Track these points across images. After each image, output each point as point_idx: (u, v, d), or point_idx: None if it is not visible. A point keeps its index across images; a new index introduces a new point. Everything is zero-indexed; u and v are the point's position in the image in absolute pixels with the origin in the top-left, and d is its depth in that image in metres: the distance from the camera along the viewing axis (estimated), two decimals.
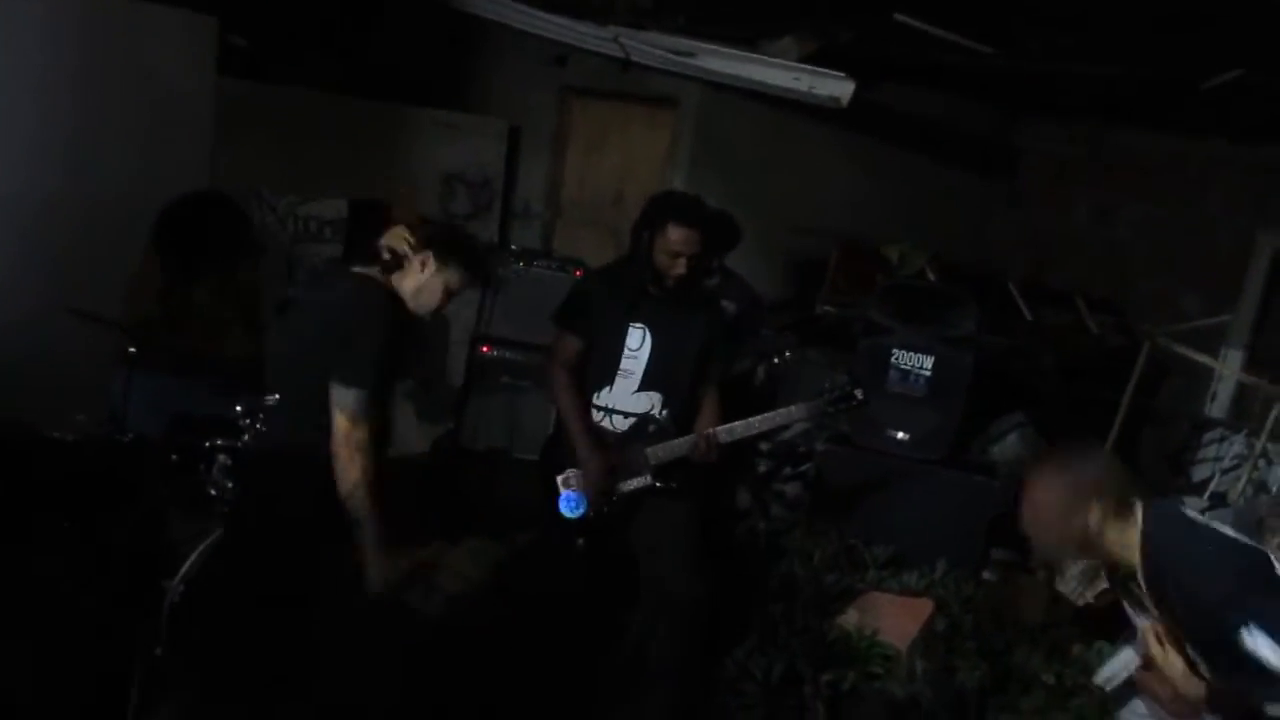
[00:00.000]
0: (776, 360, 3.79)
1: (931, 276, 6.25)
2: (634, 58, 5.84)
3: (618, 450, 3.37)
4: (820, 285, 6.18)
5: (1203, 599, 2.24)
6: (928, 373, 4.66)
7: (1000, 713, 3.62)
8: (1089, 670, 3.74)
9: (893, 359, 4.69)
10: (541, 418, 4.92)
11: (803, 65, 5.52)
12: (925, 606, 4.05)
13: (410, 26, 6.29)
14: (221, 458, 3.33)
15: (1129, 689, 2.58)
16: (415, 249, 2.89)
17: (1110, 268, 7.00)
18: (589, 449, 3.35)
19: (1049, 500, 2.39)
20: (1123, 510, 2.35)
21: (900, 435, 4.65)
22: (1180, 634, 2.32)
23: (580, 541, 3.42)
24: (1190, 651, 2.32)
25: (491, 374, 5.26)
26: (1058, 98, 6.71)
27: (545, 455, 3.56)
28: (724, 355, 3.60)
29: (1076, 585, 4.57)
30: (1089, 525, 2.34)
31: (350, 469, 2.72)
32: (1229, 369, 6.02)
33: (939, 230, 6.89)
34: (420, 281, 2.89)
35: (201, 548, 3.15)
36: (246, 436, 3.33)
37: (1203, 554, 2.30)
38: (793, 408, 3.48)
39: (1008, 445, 5.28)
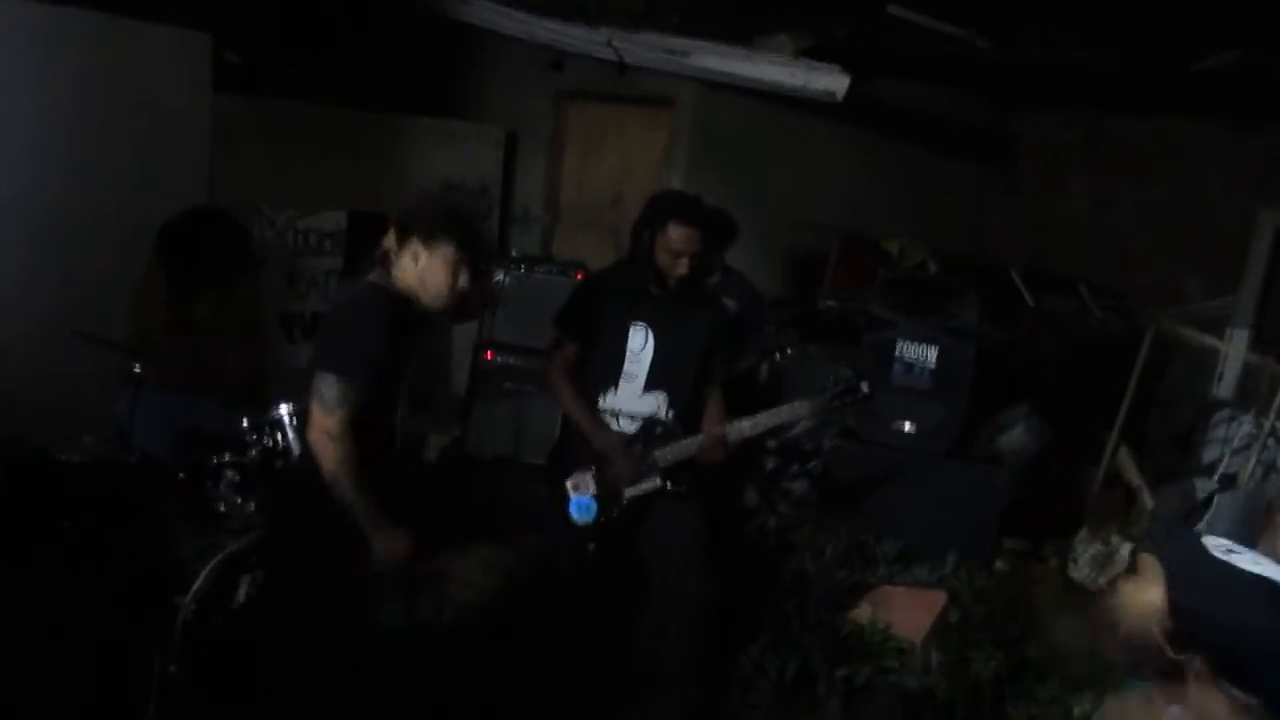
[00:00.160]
0: (779, 357, 3.79)
1: (932, 268, 6.25)
2: (628, 60, 5.84)
3: (626, 453, 3.37)
4: (821, 281, 6.18)
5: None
6: (932, 365, 4.65)
7: (1017, 702, 3.61)
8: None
9: (897, 352, 4.68)
10: (547, 422, 4.91)
11: (798, 61, 5.52)
12: (938, 599, 4.05)
13: (404, 36, 6.30)
14: (229, 473, 3.34)
15: None
16: (402, 241, 2.81)
17: (1111, 253, 6.99)
18: (604, 435, 3.35)
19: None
20: None
21: (907, 428, 4.64)
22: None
23: (590, 545, 3.41)
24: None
25: (496, 381, 5.25)
26: (1054, 86, 6.70)
27: (552, 460, 3.56)
28: (727, 354, 3.60)
29: (1089, 572, 4.57)
30: None
31: (322, 458, 2.70)
32: (1235, 349, 6.00)
33: (938, 222, 6.88)
34: (419, 270, 2.80)
35: (212, 564, 3.15)
36: (253, 451, 3.35)
37: None
38: (798, 403, 3.47)
39: (1015, 435, 5.28)
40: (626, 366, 3.41)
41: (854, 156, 6.77)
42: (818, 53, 5.52)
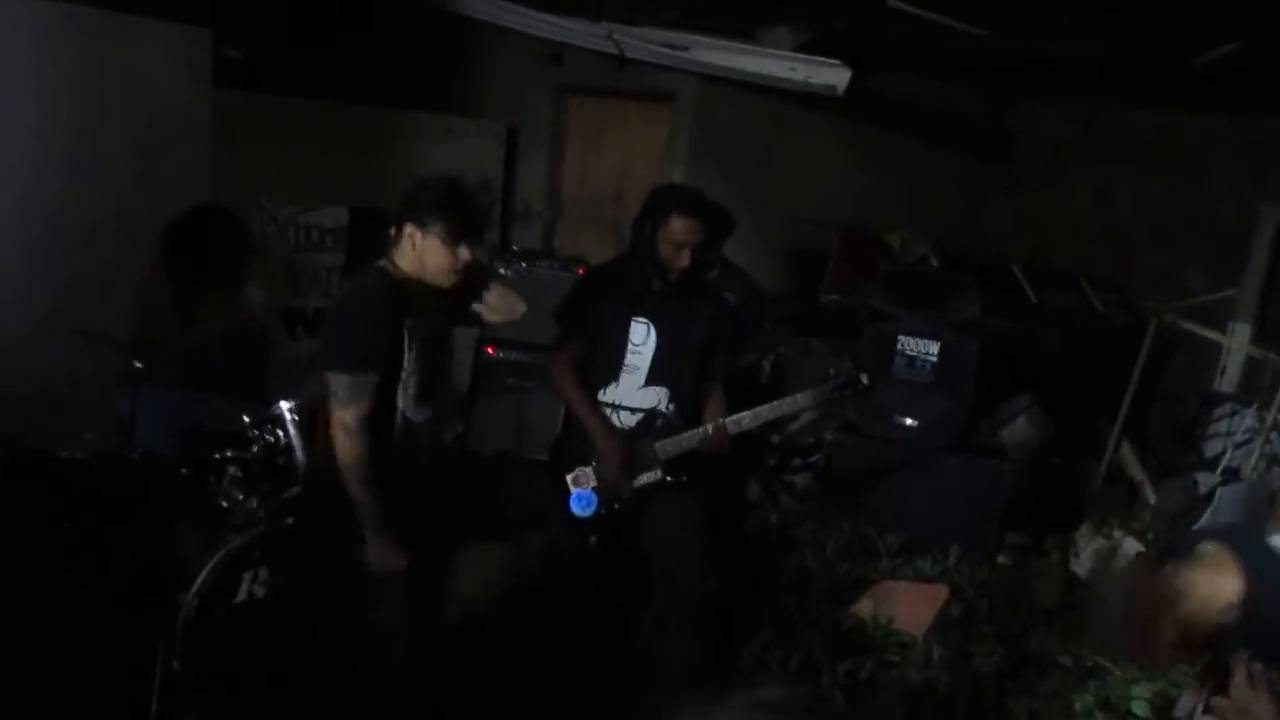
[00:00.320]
0: (771, 358, 3.79)
1: (934, 262, 6.24)
2: (628, 54, 5.83)
3: (627, 446, 3.37)
4: (822, 275, 6.17)
5: None
6: (934, 358, 4.65)
7: (1018, 696, 3.61)
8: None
9: (898, 346, 4.68)
10: (549, 418, 4.91)
11: (798, 55, 5.51)
12: (940, 593, 4.05)
13: (404, 31, 6.29)
14: (231, 470, 3.34)
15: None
16: (400, 228, 2.84)
17: (1112, 247, 6.98)
18: (605, 432, 3.35)
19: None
20: None
21: (909, 422, 4.64)
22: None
23: (592, 539, 3.42)
24: None
25: (497, 376, 5.25)
26: (1053, 79, 6.69)
27: (554, 455, 3.56)
28: (729, 348, 3.60)
29: (1091, 566, 4.57)
30: None
31: (339, 452, 2.74)
32: (1237, 343, 6.00)
33: (938, 216, 6.89)
34: (417, 253, 2.82)
35: (215, 561, 3.15)
36: (255, 448, 3.35)
37: None
38: (799, 395, 3.48)
39: (1017, 428, 5.28)
40: (628, 360, 3.41)
41: (854, 151, 6.76)
42: (817, 46, 5.50)
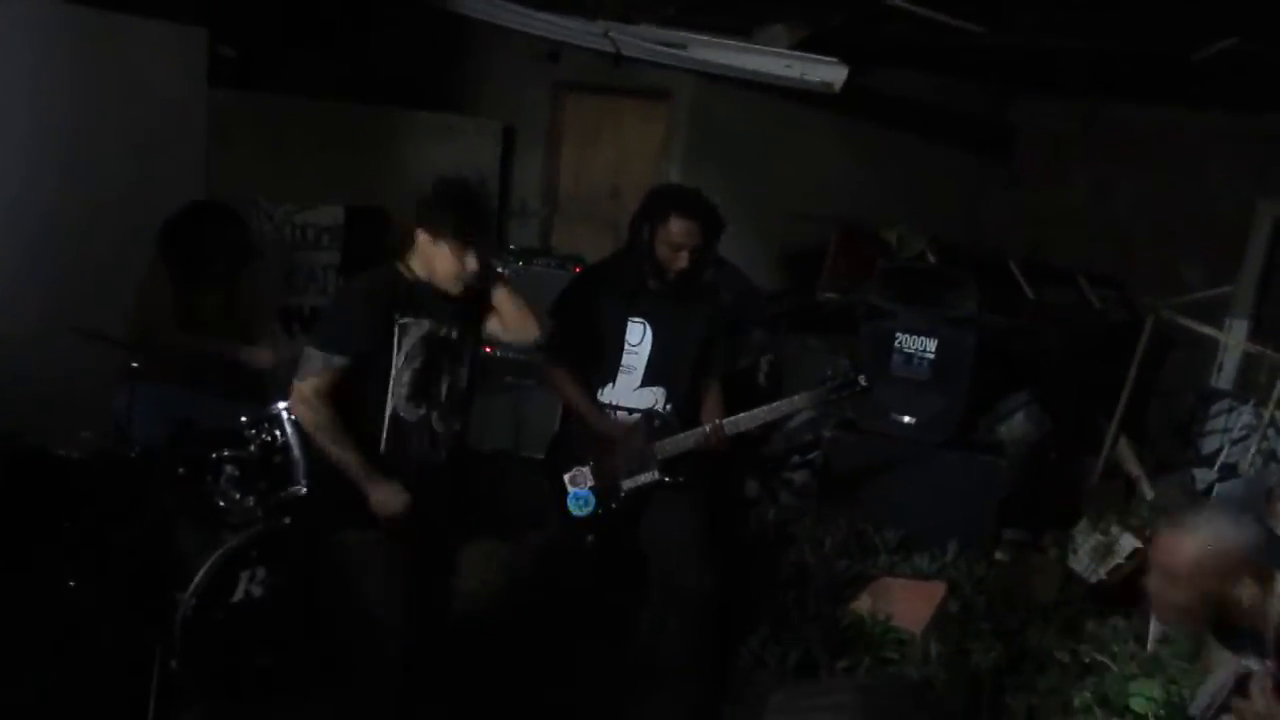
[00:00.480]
0: (771, 356, 3.78)
1: (931, 258, 6.24)
2: (625, 52, 5.82)
3: (625, 444, 3.36)
4: (819, 272, 6.17)
5: None
6: (931, 355, 4.65)
7: (1016, 693, 3.61)
8: (1103, 647, 3.74)
9: (896, 343, 4.68)
10: (546, 416, 4.90)
11: (794, 52, 5.51)
12: (938, 589, 4.05)
13: (400, 29, 6.28)
14: (229, 468, 3.34)
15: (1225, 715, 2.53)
16: (414, 233, 2.88)
17: (1110, 243, 6.98)
18: (605, 421, 3.35)
19: (1196, 569, 2.28)
20: (1268, 582, 2.27)
21: (906, 419, 4.64)
22: None
23: (589, 539, 3.41)
24: None
25: (495, 374, 5.25)
26: (1051, 75, 6.68)
27: (551, 453, 3.56)
28: (726, 347, 3.60)
29: (1089, 563, 4.57)
30: (1240, 599, 2.26)
31: (304, 422, 2.90)
32: (1234, 339, 6.00)
33: (936, 212, 6.88)
34: (427, 257, 2.86)
35: (212, 560, 3.15)
36: (252, 446, 3.35)
37: None
38: (796, 397, 3.47)
39: (1015, 424, 5.28)
40: (624, 360, 3.40)
41: (852, 147, 6.75)
42: (814, 43, 5.50)
